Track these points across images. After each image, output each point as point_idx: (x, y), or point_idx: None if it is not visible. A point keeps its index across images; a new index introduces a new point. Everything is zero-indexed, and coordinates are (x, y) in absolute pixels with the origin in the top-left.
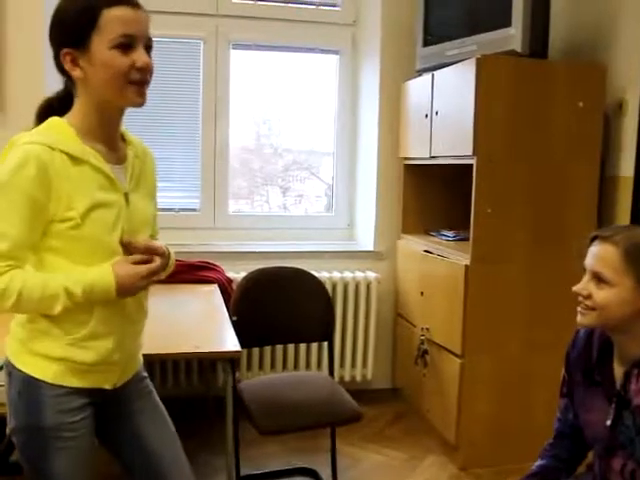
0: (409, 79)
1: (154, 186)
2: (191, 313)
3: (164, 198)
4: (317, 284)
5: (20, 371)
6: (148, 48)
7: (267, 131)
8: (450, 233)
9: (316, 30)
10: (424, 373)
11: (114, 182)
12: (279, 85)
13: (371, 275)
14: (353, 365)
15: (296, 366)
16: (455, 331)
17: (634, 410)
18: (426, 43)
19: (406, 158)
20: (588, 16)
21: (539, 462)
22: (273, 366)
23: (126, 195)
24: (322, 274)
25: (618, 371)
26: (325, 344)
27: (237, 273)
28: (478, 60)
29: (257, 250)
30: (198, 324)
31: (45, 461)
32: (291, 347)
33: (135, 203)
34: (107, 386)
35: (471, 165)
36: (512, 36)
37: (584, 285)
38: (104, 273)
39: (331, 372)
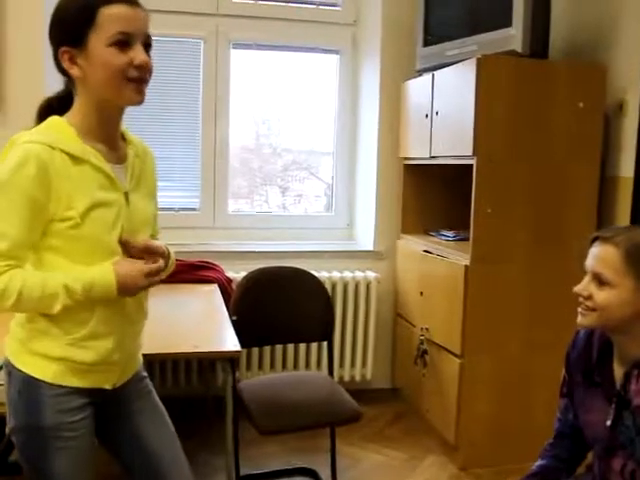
0: (409, 79)
1: (154, 185)
2: (191, 313)
3: (164, 197)
4: (317, 284)
5: (20, 371)
6: (147, 47)
7: (266, 131)
8: (450, 233)
9: (316, 30)
10: (424, 373)
11: (114, 181)
12: (279, 85)
13: (371, 275)
14: (353, 365)
15: (296, 366)
16: (455, 331)
17: (634, 410)
18: (426, 43)
19: (406, 158)
20: (589, 16)
21: (539, 462)
22: (273, 366)
23: (126, 194)
24: (322, 274)
25: (618, 371)
26: (324, 344)
27: (237, 273)
28: (478, 60)
29: (257, 250)
30: (198, 324)
31: (45, 461)
32: (291, 347)
33: (135, 202)
34: (107, 386)
35: (471, 165)
36: (512, 36)
37: (585, 286)
38: (105, 272)
39: (331, 372)
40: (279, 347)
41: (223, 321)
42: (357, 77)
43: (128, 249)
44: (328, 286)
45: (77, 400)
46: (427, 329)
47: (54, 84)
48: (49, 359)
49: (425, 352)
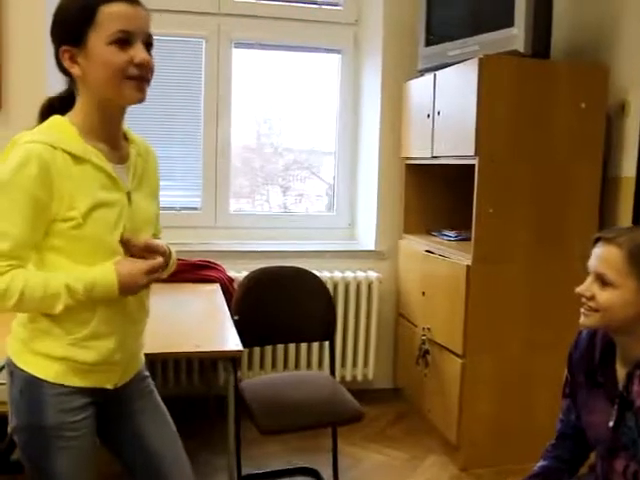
0: (411, 79)
1: (157, 185)
2: (193, 312)
3: (165, 197)
4: (318, 284)
5: (22, 370)
6: (148, 46)
7: (268, 130)
8: (452, 233)
9: (318, 29)
10: (425, 373)
11: (116, 181)
12: (281, 84)
13: (372, 275)
14: (354, 365)
15: (297, 365)
16: (456, 331)
17: (637, 411)
18: (428, 43)
19: (408, 158)
20: (591, 17)
21: (541, 463)
22: (274, 365)
23: (128, 194)
24: (323, 274)
25: (621, 372)
26: (325, 343)
27: (238, 272)
28: (480, 60)
29: (258, 249)
30: (200, 323)
31: (47, 460)
32: (292, 346)
33: (137, 202)
34: (108, 386)
35: (473, 165)
36: (514, 36)
37: (587, 286)
38: (106, 271)
39: (332, 372)
40: (280, 347)
41: (225, 320)
42: (359, 77)
43: (129, 248)
44: (330, 286)
45: (79, 400)
46: (429, 329)
47: (56, 84)
48: (51, 359)
49: (427, 352)
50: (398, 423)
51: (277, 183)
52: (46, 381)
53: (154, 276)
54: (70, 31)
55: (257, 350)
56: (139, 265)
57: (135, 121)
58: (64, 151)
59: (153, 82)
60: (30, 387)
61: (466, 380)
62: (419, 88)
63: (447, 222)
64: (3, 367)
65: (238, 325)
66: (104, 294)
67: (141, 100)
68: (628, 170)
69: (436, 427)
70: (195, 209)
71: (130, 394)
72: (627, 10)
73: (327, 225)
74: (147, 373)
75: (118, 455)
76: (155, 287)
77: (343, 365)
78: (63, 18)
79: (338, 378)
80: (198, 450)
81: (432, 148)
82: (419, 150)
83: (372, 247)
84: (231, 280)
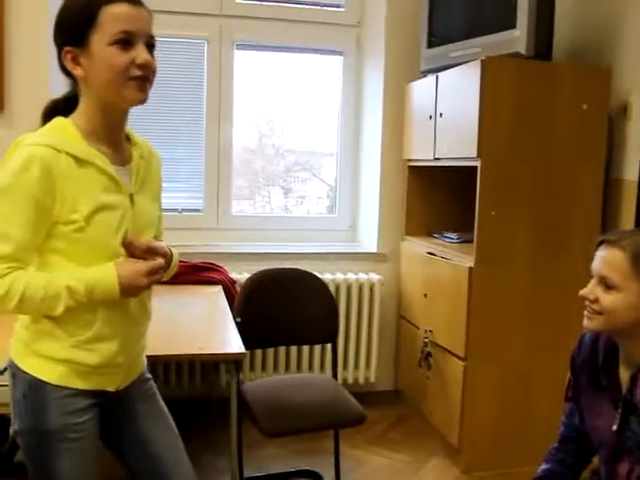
0: (413, 80)
1: (159, 187)
2: (195, 314)
3: (167, 198)
4: (321, 286)
5: (25, 372)
6: (151, 47)
7: (269, 131)
8: (453, 235)
9: (320, 31)
10: (428, 376)
11: (119, 184)
12: (283, 86)
13: (374, 277)
14: (356, 367)
15: (299, 368)
16: (459, 333)
17: None
18: (430, 45)
19: (410, 160)
20: (593, 18)
21: (544, 466)
22: (276, 368)
23: (131, 196)
24: (325, 276)
25: (624, 376)
26: (327, 345)
27: (240, 274)
28: (482, 62)
29: (260, 251)
30: (202, 325)
31: (50, 462)
32: (294, 348)
33: (140, 204)
34: (111, 388)
35: (475, 167)
36: (516, 38)
37: (591, 289)
38: (107, 273)
39: (334, 374)
40: (282, 349)
41: (227, 322)
42: (361, 78)
43: (131, 250)
44: (332, 288)
45: (82, 402)
46: (431, 331)
47: (58, 85)
48: (54, 361)
49: (429, 354)
50: (400, 426)
51: (278, 184)
52: (49, 383)
53: (155, 277)
54: (72, 32)
55: (259, 352)
56: (139, 266)
57: (137, 122)
58: (68, 154)
59: (155, 83)
60: (33, 389)
61: (468, 383)
62: (421, 90)
63: (449, 224)
64: (5, 369)
65: (240, 327)
66: (105, 295)
67: (143, 101)
68: (630, 173)
69: (438, 430)
70: (197, 211)
71: (133, 396)
72: (629, 12)
73: (329, 227)
74: (149, 375)
75: (121, 457)
76: (157, 289)
77: (345, 367)
78: (65, 19)
79: (340, 380)
80: (200, 452)
81: (434, 150)
82: (421, 152)
83: (374, 249)
84: (233, 282)
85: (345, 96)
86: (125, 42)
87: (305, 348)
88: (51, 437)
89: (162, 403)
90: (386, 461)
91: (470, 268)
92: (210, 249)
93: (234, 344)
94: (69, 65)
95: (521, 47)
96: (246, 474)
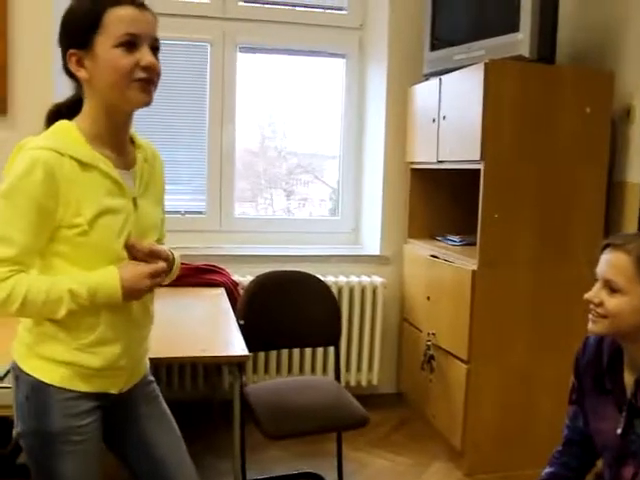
0: (416, 83)
1: (162, 190)
2: (197, 317)
3: (170, 200)
4: (324, 288)
5: (28, 375)
6: (155, 49)
7: (271, 134)
8: (456, 238)
9: (323, 34)
10: (430, 378)
11: (122, 187)
12: (285, 88)
13: (377, 280)
14: (359, 370)
15: (301, 370)
16: (462, 336)
17: None
18: (433, 47)
19: (413, 162)
20: (596, 22)
21: (548, 469)
22: (278, 370)
23: (134, 200)
24: (328, 278)
25: (629, 379)
26: (330, 348)
27: (243, 276)
28: (486, 65)
29: (263, 254)
30: (205, 327)
31: (53, 465)
32: (296, 351)
33: (144, 208)
34: (113, 391)
35: (478, 170)
36: (520, 41)
37: (596, 293)
38: (109, 276)
39: (337, 377)
40: (285, 351)
41: (230, 325)
42: (363, 81)
43: (133, 253)
44: (334, 291)
45: (85, 404)
46: (434, 334)
47: (62, 88)
48: (57, 363)
49: (432, 357)
50: (403, 428)
51: (281, 187)
52: (52, 385)
53: (157, 280)
54: (77, 34)
55: (261, 354)
56: (142, 268)
57: (140, 124)
58: (71, 157)
59: (158, 86)
60: (36, 392)
61: (471, 386)
62: (424, 92)
63: (451, 227)
64: (9, 371)
65: (243, 330)
66: (107, 298)
67: (147, 103)
68: (633, 176)
69: (441, 432)
70: (200, 213)
71: (136, 399)
72: (632, 15)
73: (331, 230)
74: (152, 378)
75: (123, 460)
76: (160, 291)
77: (347, 370)
78: (71, 22)
79: (342, 383)
80: (202, 454)
81: (437, 153)
82: (424, 155)
83: (377, 252)
84: (236, 284)
85: (348, 99)
86: (130, 44)
87: (308, 351)
88: (54, 439)
89: (165, 405)
90: (389, 464)
91: (473, 271)
92: (213, 251)
93: (237, 346)
94: (74, 67)
95: (524, 50)
96: (249, 477)
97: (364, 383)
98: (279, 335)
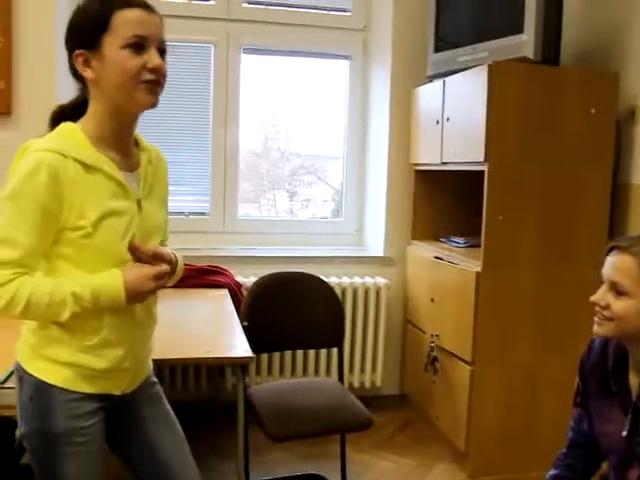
0: (420, 85)
1: (166, 192)
2: (201, 318)
3: (174, 201)
4: (327, 290)
5: (31, 376)
6: (162, 52)
7: (275, 135)
8: (460, 239)
9: (327, 35)
10: (434, 380)
11: (127, 189)
12: (289, 90)
13: (380, 281)
14: (362, 371)
15: (305, 371)
16: (465, 338)
17: None
18: (437, 49)
19: (417, 164)
20: (600, 23)
21: (552, 472)
22: (282, 372)
23: (139, 202)
24: (331, 279)
25: (634, 382)
26: (333, 349)
27: (246, 277)
28: (490, 66)
29: (267, 255)
30: (208, 329)
31: (56, 466)
32: (300, 352)
33: (147, 210)
34: (116, 392)
35: (482, 172)
36: (524, 43)
37: (602, 295)
38: (112, 279)
39: (341, 378)
40: (288, 352)
41: (233, 326)
42: (367, 83)
43: (137, 255)
44: (338, 292)
45: (88, 405)
46: (437, 336)
47: (66, 89)
48: (60, 364)
49: (435, 359)
50: (406, 430)
51: (284, 188)
52: (55, 386)
53: (160, 282)
54: (85, 35)
55: (265, 356)
56: (146, 270)
57: (144, 125)
58: (75, 160)
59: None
60: (39, 392)
61: (475, 387)
62: (428, 94)
63: (455, 228)
64: (12, 372)
65: (247, 331)
66: (111, 301)
67: (154, 105)
68: (638, 177)
69: (444, 434)
70: (203, 214)
71: (139, 400)
72: (637, 16)
73: (335, 231)
74: (155, 379)
75: (127, 461)
76: (163, 292)
77: (351, 371)
78: (79, 22)
79: (346, 384)
80: (206, 456)
81: (441, 154)
82: (428, 156)
83: (380, 253)
84: (239, 285)
85: (352, 100)
86: (137, 46)
87: (311, 352)
88: (57, 440)
89: (168, 407)
90: (392, 465)
91: (477, 273)
92: (216, 252)
93: (240, 348)
94: (80, 68)
95: (529, 52)
96: (252, 478)
97: (367, 384)
98: (282, 336)
